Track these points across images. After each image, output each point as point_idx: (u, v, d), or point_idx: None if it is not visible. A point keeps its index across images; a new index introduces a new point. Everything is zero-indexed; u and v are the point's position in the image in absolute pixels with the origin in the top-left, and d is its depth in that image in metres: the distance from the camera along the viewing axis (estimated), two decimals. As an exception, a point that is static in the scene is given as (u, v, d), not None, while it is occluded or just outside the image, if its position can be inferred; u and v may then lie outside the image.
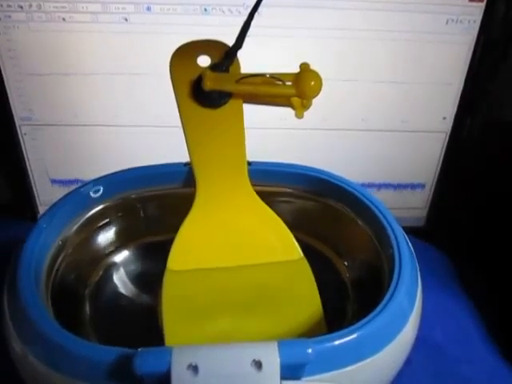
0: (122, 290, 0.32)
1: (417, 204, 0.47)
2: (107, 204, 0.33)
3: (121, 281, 0.33)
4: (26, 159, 0.43)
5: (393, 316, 0.23)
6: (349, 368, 0.22)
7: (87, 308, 0.30)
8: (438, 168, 0.45)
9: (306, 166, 0.34)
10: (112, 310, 0.30)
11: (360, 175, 0.45)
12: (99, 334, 0.28)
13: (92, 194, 0.32)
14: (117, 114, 0.41)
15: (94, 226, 0.33)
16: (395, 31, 0.38)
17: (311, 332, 0.25)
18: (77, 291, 0.30)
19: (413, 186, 0.46)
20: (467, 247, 0.45)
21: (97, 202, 0.32)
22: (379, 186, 0.46)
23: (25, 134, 0.42)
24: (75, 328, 0.26)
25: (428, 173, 0.45)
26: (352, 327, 0.22)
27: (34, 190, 0.46)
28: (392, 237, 0.28)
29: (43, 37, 0.38)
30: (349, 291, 0.32)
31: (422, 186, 0.46)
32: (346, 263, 0.34)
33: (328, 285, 0.28)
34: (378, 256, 0.29)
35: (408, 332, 0.24)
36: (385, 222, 0.29)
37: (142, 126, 0.42)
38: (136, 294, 0.32)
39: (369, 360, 0.22)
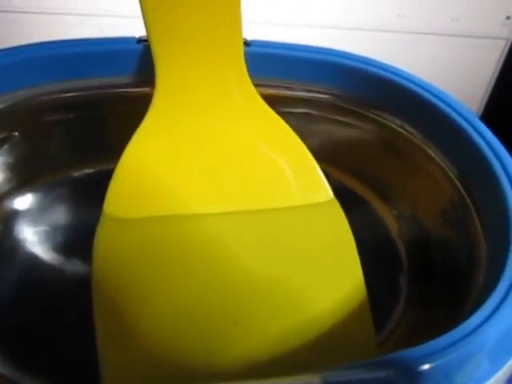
0: (29, 253, 0.23)
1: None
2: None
3: (27, 240, 0.23)
4: None
5: None
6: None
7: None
8: (491, 86, 0.38)
9: (345, 53, 0.22)
10: (14, 290, 0.22)
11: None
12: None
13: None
14: None
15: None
16: None
17: (350, 326, 0.17)
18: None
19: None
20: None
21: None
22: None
23: None
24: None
25: (477, 92, 0.39)
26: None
27: None
28: (509, 195, 0.17)
29: None
30: (401, 257, 0.23)
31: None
32: (395, 212, 0.24)
33: (370, 245, 0.20)
34: (461, 213, 0.19)
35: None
36: (495, 164, 0.17)
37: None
38: (55, 259, 0.23)
39: None
